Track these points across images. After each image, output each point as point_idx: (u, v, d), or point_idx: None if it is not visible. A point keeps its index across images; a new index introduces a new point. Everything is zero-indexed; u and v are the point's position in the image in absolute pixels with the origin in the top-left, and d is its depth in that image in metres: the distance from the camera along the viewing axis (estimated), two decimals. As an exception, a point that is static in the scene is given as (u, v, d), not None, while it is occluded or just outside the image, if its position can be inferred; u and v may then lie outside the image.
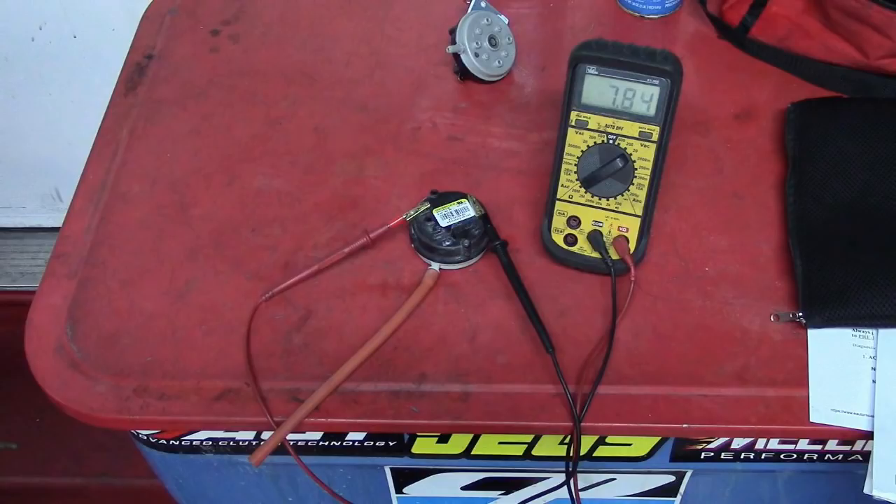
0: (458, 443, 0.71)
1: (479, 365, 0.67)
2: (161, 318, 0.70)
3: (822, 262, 0.69)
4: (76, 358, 0.67)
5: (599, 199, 0.69)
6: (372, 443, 0.71)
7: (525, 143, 0.81)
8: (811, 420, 0.64)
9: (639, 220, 0.69)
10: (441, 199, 0.74)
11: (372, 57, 0.90)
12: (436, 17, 0.93)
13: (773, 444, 0.69)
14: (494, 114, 0.84)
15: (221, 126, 0.84)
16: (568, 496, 0.67)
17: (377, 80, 0.87)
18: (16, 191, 1.57)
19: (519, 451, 0.71)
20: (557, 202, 0.70)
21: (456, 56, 0.83)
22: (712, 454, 0.70)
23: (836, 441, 0.68)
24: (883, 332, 0.67)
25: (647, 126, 0.66)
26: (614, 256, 0.70)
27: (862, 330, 0.67)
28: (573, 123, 0.68)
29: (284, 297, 0.71)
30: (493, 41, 0.84)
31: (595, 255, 0.70)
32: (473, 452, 0.71)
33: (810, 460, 0.71)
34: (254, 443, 0.70)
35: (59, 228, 0.76)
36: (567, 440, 0.67)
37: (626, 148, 0.67)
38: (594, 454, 0.71)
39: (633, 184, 0.68)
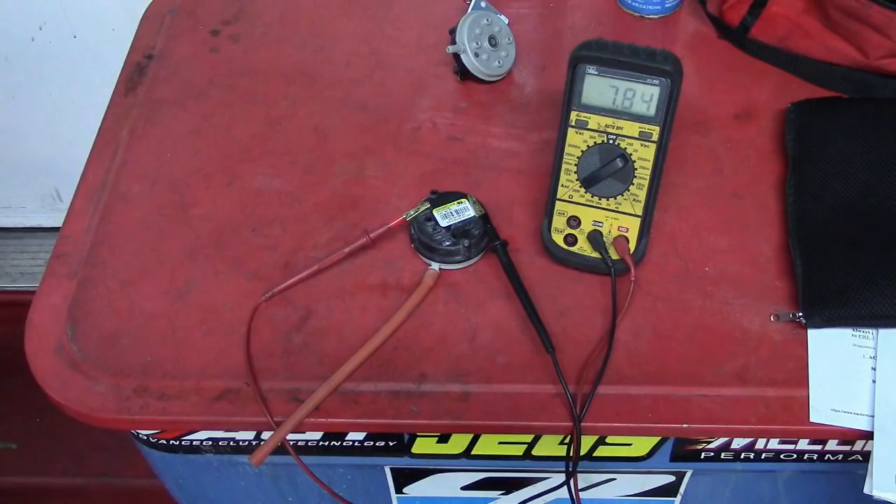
0: (458, 443, 0.71)
1: (479, 365, 0.67)
2: (161, 318, 0.70)
3: (822, 262, 0.69)
4: (76, 358, 0.67)
5: (599, 199, 0.69)
6: (372, 443, 0.71)
7: (525, 143, 0.81)
8: (811, 420, 0.64)
9: (639, 220, 0.69)
10: (441, 199, 0.74)
11: (372, 57, 0.90)
12: (436, 17, 0.93)
13: (773, 444, 0.69)
14: (494, 114, 0.84)
15: (221, 126, 0.84)
16: (568, 496, 0.67)
17: (377, 80, 0.87)
18: (16, 191, 1.57)
19: (519, 451, 0.71)
20: (557, 202, 0.70)
21: (456, 56, 0.83)
22: (712, 454, 0.70)
23: (836, 441, 0.68)
24: (883, 332, 0.67)
25: (647, 126, 0.66)
26: (614, 256, 0.70)
27: (862, 330, 0.67)
28: (573, 123, 0.68)
29: (284, 297, 0.71)
30: (493, 41, 0.84)
31: (595, 255, 0.70)
32: (473, 452, 0.71)
33: (810, 460, 0.71)
34: (254, 443, 0.70)
35: (59, 228, 0.76)
36: (567, 440, 0.67)
37: (626, 148, 0.67)
38: (594, 454, 0.71)
39: (633, 184, 0.68)
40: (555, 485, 0.78)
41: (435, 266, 0.71)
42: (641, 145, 0.67)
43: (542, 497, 0.80)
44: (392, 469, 0.77)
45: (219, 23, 0.94)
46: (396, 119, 0.84)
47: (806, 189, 0.74)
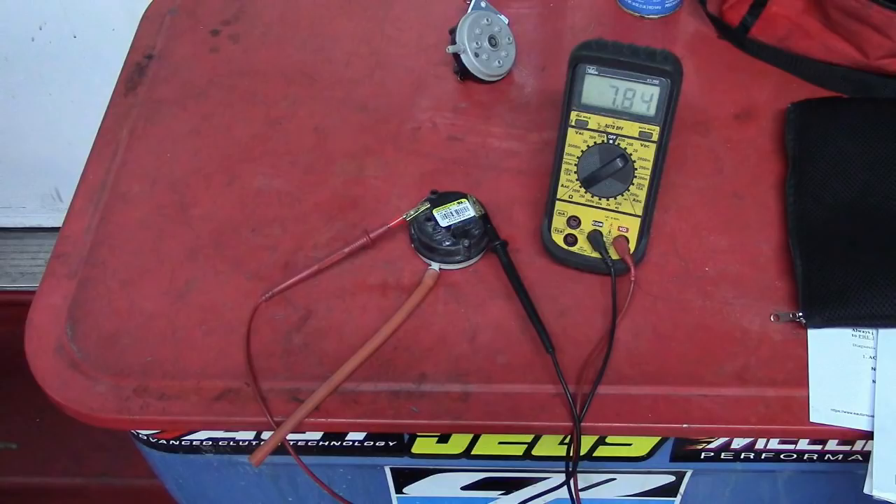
0: (458, 443, 0.71)
1: (479, 365, 0.67)
2: (161, 318, 0.70)
3: (822, 262, 0.69)
4: (76, 358, 0.67)
5: (599, 199, 0.69)
6: (372, 443, 0.71)
7: (525, 143, 0.81)
8: (811, 420, 0.64)
9: (639, 220, 0.69)
10: (441, 199, 0.74)
11: (372, 57, 0.90)
12: (436, 17, 0.93)
13: (773, 444, 0.69)
14: (494, 114, 0.84)
15: (221, 126, 0.84)
16: (568, 496, 0.67)
17: (377, 80, 0.87)
18: (16, 191, 1.57)
19: (519, 451, 0.71)
20: (557, 202, 0.70)
21: (456, 56, 0.83)
22: (712, 454, 0.70)
23: (836, 441, 0.68)
24: (883, 332, 0.67)
25: (647, 126, 0.66)
26: (614, 256, 0.70)
27: (862, 330, 0.67)
28: (573, 123, 0.68)
29: (284, 297, 0.71)
30: (493, 41, 0.84)
31: (595, 255, 0.70)
32: (473, 452, 0.71)
33: (810, 460, 0.71)
34: (254, 443, 0.70)
35: (59, 228, 0.76)
36: (567, 440, 0.67)
37: (626, 148, 0.67)
38: (594, 454, 0.71)
39: (633, 184, 0.68)
40: (555, 485, 0.78)
41: (435, 266, 0.71)
42: (641, 145, 0.67)
43: (542, 497, 0.80)
44: (392, 469, 0.77)
45: (219, 23, 0.94)
46: (396, 119, 0.84)
47: (806, 189, 0.74)
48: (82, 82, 1.37)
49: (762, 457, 0.70)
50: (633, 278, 0.69)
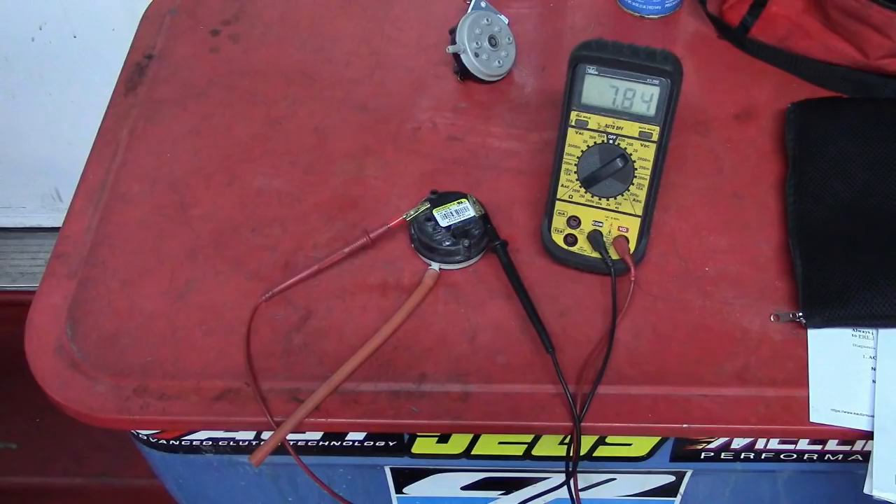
0: (458, 443, 0.71)
1: (479, 365, 0.67)
2: (161, 318, 0.70)
3: (822, 262, 0.69)
4: (76, 358, 0.67)
5: (599, 199, 0.69)
6: (372, 443, 0.71)
7: (525, 143, 0.81)
8: (811, 420, 0.64)
9: (639, 220, 0.69)
10: (441, 199, 0.74)
11: (372, 57, 0.90)
12: (436, 17, 0.93)
13: (773, 444, 0.69)
14: (494, 114, 0.84)
15: (221, 126, 0.84)
16: (568, 496, 0.67)
17: (377, 80, 0.87)
18: (16, 191, 1.57)
19: (519, 451, 0.71)
20: (557, 202, 0.70)
21: (456, 56, 0.83)
22: (712, 454, 0.70)
23: (836, 441, 0.68)
24: (883, 332, 0.67)
25: (647, 126, 0.66)
26: (614, 256, 0.70)
27: (862, 330, 0.67)
28: (573, 123, 0.68)
29: (284, 297, 0.71)
30: (493, 41, 0.84)
31: (595, 255, 0.70)
32: (473, 452, 0.71)
33: (810, 460, 0.71)
34: (254, 443, 0.70)
35: (59, 228, 0.76)
36: (567, 440, 0.67)
37: (626, 148, 0.67)
38: (594, 454, 0.71)
39: (633, 184, 0.68)
40: (555, 485, 0.78)
41: (435, 266, 0.71)
42: (641, 145, 0.67)
43: (542, 497, 0.80)
44: (392, 469, 0.77)
45: (219, 23, 0.94)
46: (396, 119, 0.84)
47: (806, 189, 0.74)
48: (82, 82, 1.37)
49: (762, 457, 0.70)
50: (633, 278, 0.69)
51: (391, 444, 0.71)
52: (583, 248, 0.71)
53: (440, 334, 0.68)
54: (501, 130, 0.82)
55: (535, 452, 0.71)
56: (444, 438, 0.70)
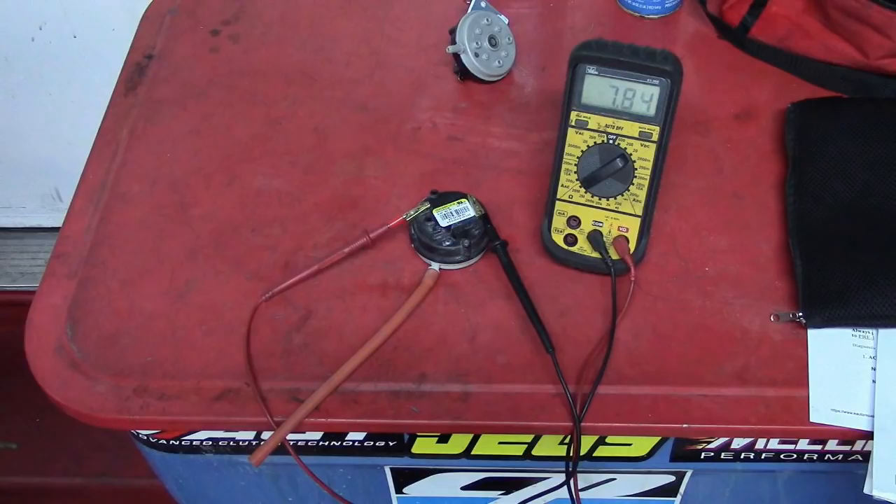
0: (458, 443, 0.71)
1: (479, 365, 0.67)
2: (161, 318, 0.70)
3: (822, 262, 0.69)
4: (76, 358, 0.67)
5: (599, 199, 0.69)
6: (372, 443, 0.71)
7: (525, 143, 0.81)
8: (811, 420, 0.64)
9: (639, 220, 0.69)
10: (441, 199, 0.74)
11: (372, 57, 0.90)
12: (436, 17, 0.93)
13: (773, 444, 0.69)
14: (494, 114, 0.84)
15: (221, 126, 0.84)
16: (568, 496, 0.67)
17: (377, 80, 0.87)
18: (16, 191, 1.57)
19: (519, 451, 0.71)
20: (557, 202, 0.70)
21: (456, 56, 0.83)
22: (712, 454, 0.70)
23: (836, 441, 0.68)
24: (883, 332, 0.67)
25: (647, 126, 0.66)
26: (614, 256, 0.70)
27: (862, 330, 0.67)
28: (573, 123, 0.68)
29: (284, 297, 0.71)
30: (493, 41, 0.84)
31: (595, 255, 0.70)
32: (473, 452, 0.71)
33: (810, 460, 0.71)
34: (254, 443, 0.70)
35: (59, 228, 0.76)
36: (567, 440, 0.67)
37: (626, 148, 0.67)
38: (594, 454, 0.71)
39: (633, 184, 0.68)
40: (555, 485, 0.78)
41: (435, 266, 0.71)
42: (641, 145, 0.67)
43: (542, 497, 0.80)
44: (392, 469, 0.77)
45: (219, 23, 0.94)
46: (396, 119, 0.84)
47: (806, 189, 0.74)
48: (82, 82, 1.37)
49: (762, 457, 0.70)
50: (633, 278, 0.69)
51: (391, 444, 0.71)
52: (583, 248, 0.71)
53: (440, 334, 0.68)
54: (501, 130, 0.82)
55: (535, 452, 0.71)
56: (444, 438, 0.70)
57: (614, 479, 0.77)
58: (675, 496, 0.79)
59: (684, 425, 0.64)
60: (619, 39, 0.66)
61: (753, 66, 0.87)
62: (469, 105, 0.85)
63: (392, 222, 0.72)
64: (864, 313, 0.66)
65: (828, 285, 0.67)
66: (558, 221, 0.71)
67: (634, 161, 0.67)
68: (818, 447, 0.69)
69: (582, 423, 0.64)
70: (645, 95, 0.65)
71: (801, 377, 0.65)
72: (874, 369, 0.65)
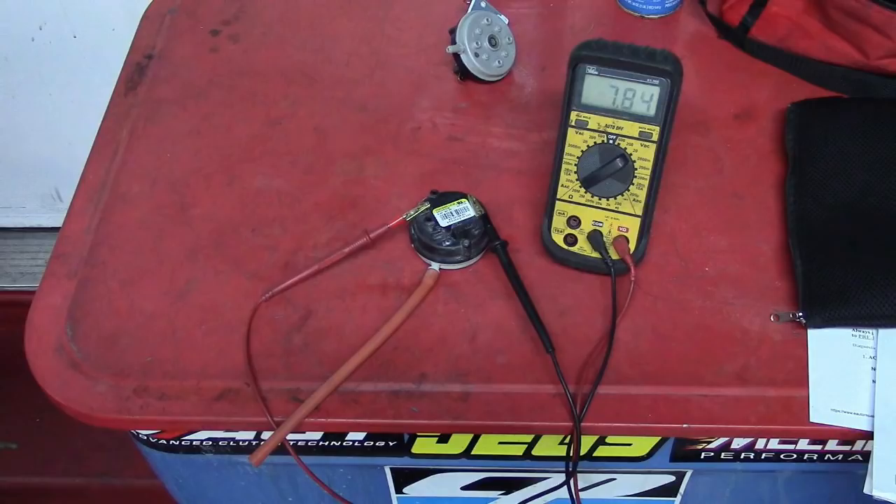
0: (458, 443, 0.71)
1: (479, 365, 0.67)
2: (161, 318, 0.70)
3: (822, 262, 0.69)
4: (76, 358, 0.67)
5: (599, 199, 0.69)
6: (372, 443, 0.71)
7: (525, 143, 0.81)
8: (811, 420, 0.64)
9: (639, 220, 0.69)
10: (441, 199, 0.74)
11: (372, 57, 0.90)
12: (436, 17, 0.93)
13: (773, 444, 0.69)
14: (494, 114, 0.84)
15: (221, 126, 0.84)
16: (568, 496, 0.67)
17: (377, 80, 0.87)
18: (16, 191, 1.57)
19: (519, 451, 0.71)
20: (557, 202, 0.70)
21: (456, 56, 0.83)
22: (712, 454, 0.70)
23: (836, 441, 0.68)
24: (883, 332, 0.67)
25: (647, 126, 0.66)
26: (614, 256, 0.70)
27: (862, 330, 0.67)
28: (573, 123, 0.68)
29: (284, 297, 0.71)
30: (493, 41, 0.84)
31: (595, 255, 0.70)
32: (473, 452, 0.71)
33: (810, 460, 0.71)
34: (254, 443, 0.70)
35: (59, 228, 0.76)
36: (567, 440, 0.67)
37: (626, 148, 0.67)
38: (594, 454, 0.71)
39: (633, 184, 0.68)
40: (555, 485, 0.78)
41: (435, 266, 0.71)
42: (641, 145, 0.67)
43: (542, 497, 0.80)
44: (392, 469, 0.77)
45: (219, 23, 0.94)
46: (396, 119, 0.84)
47: (806, 189, 0.74)
48: (82, 82, 1.37)
49: (762, 457, 0.70)
50: (633, 278, 0.69)
51: (391, 444, 0.71)
52: (583, 248, 0.71)
53: (440, 334, 0.68)
54: (501, 130, 0.82)
55: (535, 452, 0.71)
56: (444, 438, 0.70)
57: (614, 479, 0.77)
58: (675, 496, 0.79)
59: (684, 425, 0.64)
60: (619, 39, 0.66)
61: (753, 66, 0.87)
62: (469, 105, 0.85)
63: (392, 222, 0.72)
64: (864, 313, 0.66)
65: (828, 285, 0.67)
66: (558, 221, 0.71)
67: (634, 161, 0.67)
68: (818, 447, 0.69)
69: (582, 423, 0.64)
70: (645, 95, 0.65)
71: (801, 377, 0.65)
72: (874, 369, 0.65)
